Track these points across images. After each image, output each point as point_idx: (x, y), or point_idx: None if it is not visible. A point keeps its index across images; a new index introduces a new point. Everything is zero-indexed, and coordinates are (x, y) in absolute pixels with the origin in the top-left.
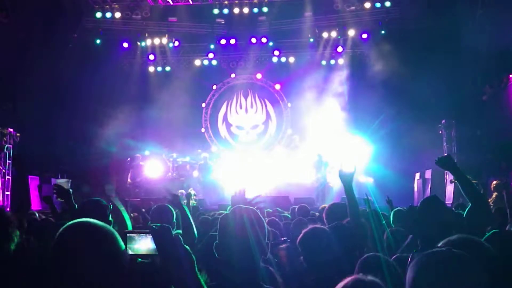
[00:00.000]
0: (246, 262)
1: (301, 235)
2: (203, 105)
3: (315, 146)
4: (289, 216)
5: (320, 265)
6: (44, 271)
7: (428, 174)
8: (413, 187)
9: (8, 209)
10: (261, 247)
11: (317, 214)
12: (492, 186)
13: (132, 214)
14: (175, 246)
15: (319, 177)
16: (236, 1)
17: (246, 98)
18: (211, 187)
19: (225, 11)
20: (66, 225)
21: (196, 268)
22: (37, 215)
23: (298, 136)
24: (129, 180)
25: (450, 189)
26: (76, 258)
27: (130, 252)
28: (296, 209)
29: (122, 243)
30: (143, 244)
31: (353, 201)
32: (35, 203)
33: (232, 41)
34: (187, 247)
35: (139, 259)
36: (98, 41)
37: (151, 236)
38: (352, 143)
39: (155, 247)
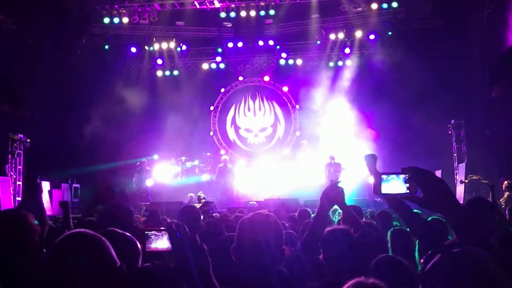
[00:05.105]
0: (259, 265)
1: (324, 233)
2: (211, 108)
3: (324, 147)
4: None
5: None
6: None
7: (438, 174)
8: None
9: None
10: (276, 252)
11: None
12: (503, 185)
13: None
14: (190, 246)
15: (327, 180)
16: (243, 5)
17: (254, 101)
18: (222, 189)
19: (232, 14)
20: (65, 234)
21: (211, 269)
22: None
23: (306, 141)
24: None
25: (460, 189)
26: (68, 268)
27: (147, 249)
28: (297, 212)
29: (115, 259)
30: (160, 242)
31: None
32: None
33: (240, 44)
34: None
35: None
36: (106, 47)
37: (167, 234)
38: (360, 143)
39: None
